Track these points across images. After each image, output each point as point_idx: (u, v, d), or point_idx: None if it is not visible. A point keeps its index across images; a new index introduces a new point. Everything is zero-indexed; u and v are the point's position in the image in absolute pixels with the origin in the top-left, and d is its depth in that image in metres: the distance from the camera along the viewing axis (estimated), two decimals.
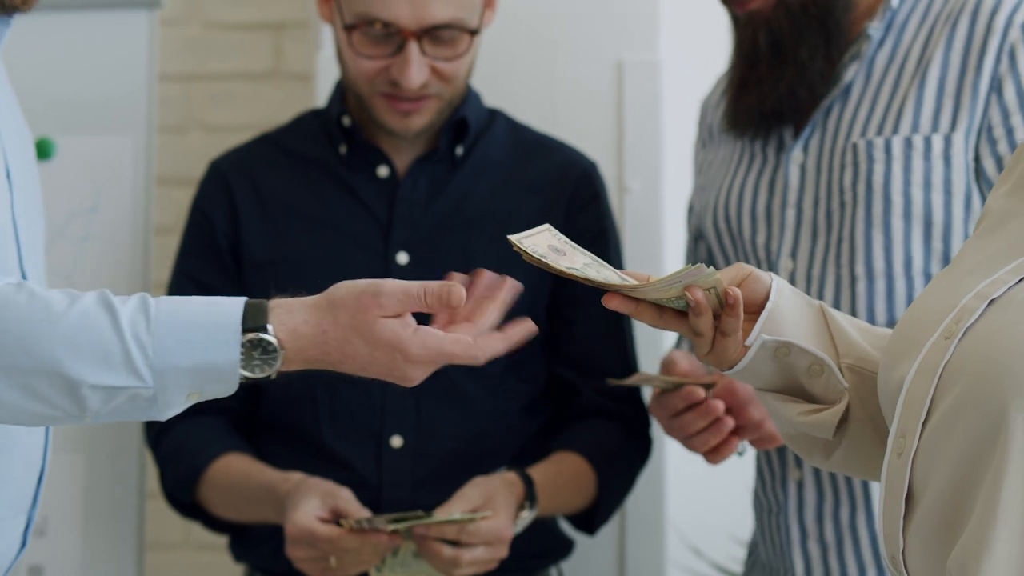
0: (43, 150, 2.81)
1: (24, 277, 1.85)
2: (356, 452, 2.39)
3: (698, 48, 2.90)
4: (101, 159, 2.85)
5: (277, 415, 2.44)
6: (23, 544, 1.90)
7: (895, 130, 2.21)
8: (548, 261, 1.61)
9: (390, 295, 1.67)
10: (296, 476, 2.33)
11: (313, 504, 2.24)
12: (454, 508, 2.26)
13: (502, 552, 2.27)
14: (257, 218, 2.48)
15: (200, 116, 3.21)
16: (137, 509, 2.78)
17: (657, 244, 2.82)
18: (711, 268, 1.60)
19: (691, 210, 2.52)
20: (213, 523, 2.50)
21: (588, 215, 2.51)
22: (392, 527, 2.22)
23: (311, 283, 2.42)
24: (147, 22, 2.83)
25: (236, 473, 2.40)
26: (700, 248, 2.48)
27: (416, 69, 2.36)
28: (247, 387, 2.31)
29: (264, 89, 3.20)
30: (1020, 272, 1.48)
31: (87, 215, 2.83)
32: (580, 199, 2.51)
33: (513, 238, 1.60)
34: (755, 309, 1.65)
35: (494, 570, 2.38)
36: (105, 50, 2.85)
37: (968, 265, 1.55)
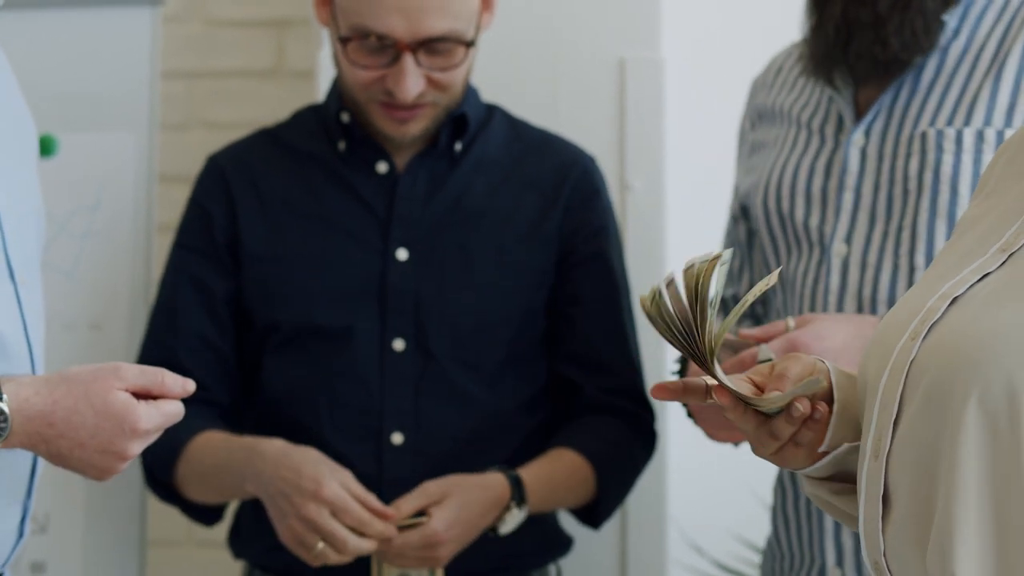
0: (45, 147, 2.81)
1: (10, 270, 1.86)
2: (356, 450, 2.39)
3: (700, 46, 2.90)
4: (103, 156, 2.85)
5: (277, 413, 2.44)
6: (20, 535, 1.91)
7: (967, 122, 2.18)
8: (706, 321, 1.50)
9: (129, 368, 1.75)
10: (279, 440, 2.36)
11: (328, 471, 2.29)
12: (408, 504, 2.30)
13: (436, 552, 2.29)
14: (256, 213, 2.49)
15: (202, 113, 3.21)
16: (139, 506, 2.78)
17: (659, 242, 2.82)
18: (818, 378, 1.56)
19: (736, 190, 2.48)
20: (191, 509, 2.51)
21: (588, 211, 2.50)
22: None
23: (309, 279, 2.44)
24: (149, 19, 2.83)
25: (214, 441, 2.42)
26: (739, 229, 2.45)
27: (411, 81, 2.35)
28: (236, 379, 2.35)
29: (266, 86, 3.20)
30: (981, 271, 1.50)
31: (89, 212, 2.83)
32: (580, 195, 2.51)
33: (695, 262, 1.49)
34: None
35: (491, 567, 2.39)
36: (107, 47, 2.85)
37: (939, 271, 1.57)
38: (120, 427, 1.73)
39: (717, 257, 1.48)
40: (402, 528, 2.30)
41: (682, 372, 2.41)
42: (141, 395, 1.76)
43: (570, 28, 2.87)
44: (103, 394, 1.73)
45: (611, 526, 2.75)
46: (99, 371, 1.74)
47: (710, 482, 2.85)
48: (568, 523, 2.58)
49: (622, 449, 2.49)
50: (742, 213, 2.43)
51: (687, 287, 1.48)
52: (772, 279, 1.54)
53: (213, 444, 2.42)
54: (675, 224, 2.84)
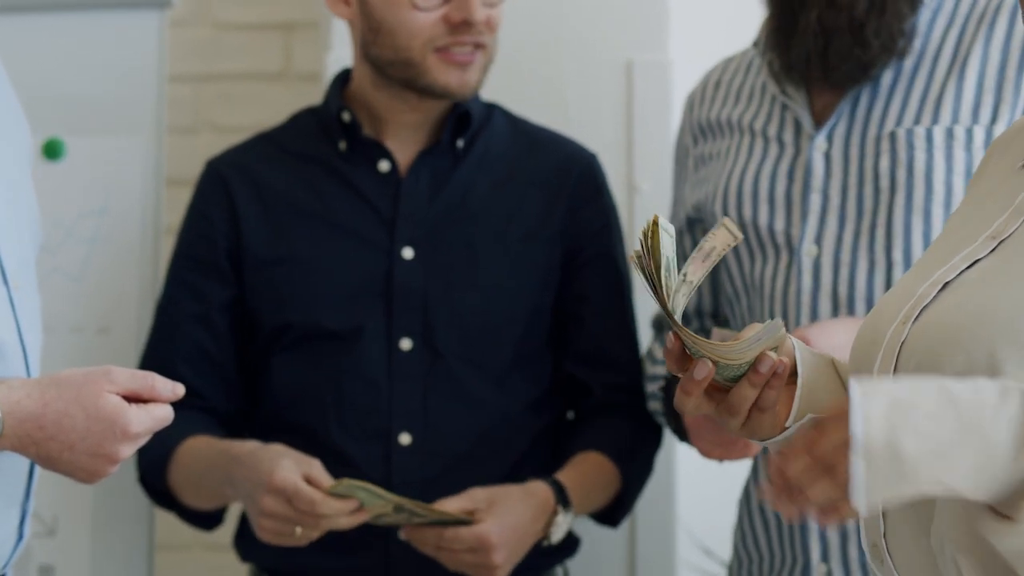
0: (53, 151, 2.81)
1: (3, 275, 1.86)
2: (364, 451, 2.39)
3: (708, 48, 2.90)
4: (110, 160, 2.85)
5: (283, 415, 2.44)
6: (20, 537, 1.91)
7: (935, 120, 2.24)
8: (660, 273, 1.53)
9: (120, 372, 1.76)
10: (252, 442, 2.35)
11: (291, 463, 2.26)
12: (452, 505, 2.27)
13: (490, 558, 2.28)
14: (258, 217, 2.49)
15: (209, 117, 3.22)
16: (147, 509, 2.78)
17: None
18: (779, 320, 1.57)
19: (679, 203, 2.51)
20: (188, 514, 2.52)
21: (592, 210, 2.52)
22: (376, 513, 2.25)
23: (316, 280, 2.44)
24: (157, 23, 2.83)
25: (198, 447, 2.42)
26: (686, 243, 2.47)
27: (478, 2, 2.38)
28: (235, 386, 2.34)
29: (274, 90, 3.20)
30: (972, 257, 1.54)
31: (96, 216, 2.83)
32: (583, 194, 2.51)
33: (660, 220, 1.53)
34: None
35: None
36: (115, 51, 2.85)
37: (930, 260, 1.60)
38: (111, 430, 1.74)
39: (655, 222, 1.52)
40: (440, 523, 2.28)
41: (667, 389, 2.42)
42: (131, 399, 1.77)
43: (578, 30, 2.87)
44: (94, 397, 1.74)
45: (620, 528, 2.75)
46: (90, 374, 1.76)
47: (719, 484, 2.84)
48: (575, 523, 2.57)
49: (637, 446, 2.50)
50: (689, 226, 2.46)
51: (643, 244, 1.53)
52: (738, 235, 1.57)
53: (197, 450, 2.42)
54: None
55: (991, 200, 1.62)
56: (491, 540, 2.27)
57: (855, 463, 1.35)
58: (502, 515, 2.29)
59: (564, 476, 2.39)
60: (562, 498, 2.35)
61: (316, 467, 2.27)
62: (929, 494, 1.37)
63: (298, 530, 2.25)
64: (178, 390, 1.80)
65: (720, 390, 1.61)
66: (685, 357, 1.58)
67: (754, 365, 1.57)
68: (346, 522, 2.25)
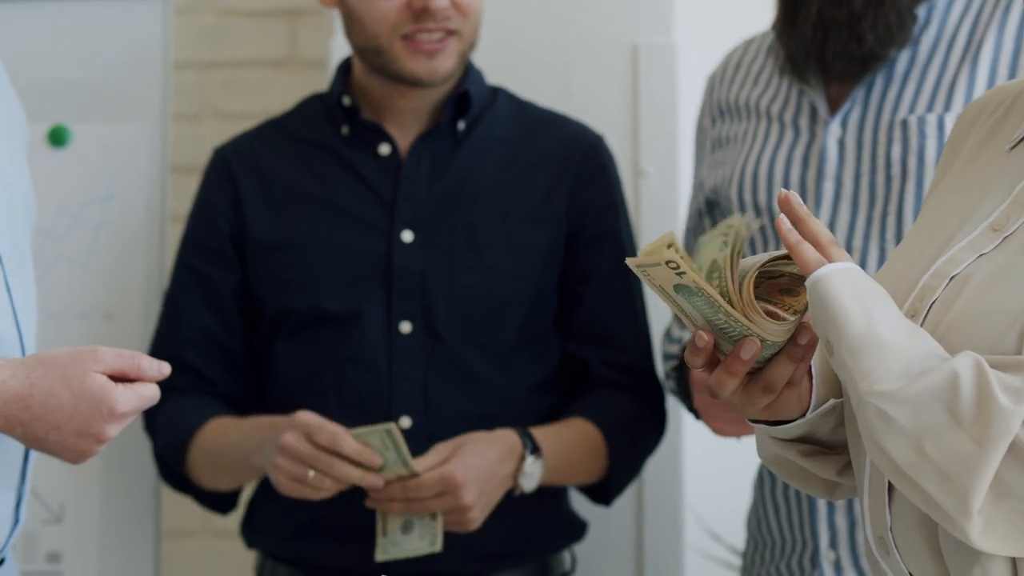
0: (58, 138, 2.82)
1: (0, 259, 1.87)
2: None
3: (713, 31, 2.90)
4: (116, 147, 2.86)
5: (285, 399, 2.44)
6: (16, 521, 1.91)
7: (947, 107, 2.23)
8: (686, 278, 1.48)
9: (106, 351, 1.76)
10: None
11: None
12: (427, 462, 2.27)
13: (460, 498, 2.26)
14: (261, 203, 2.49)
15: (215, 104, 3.21)
16: (154, 496, 2.78)
17: (673, 227, 2.82)
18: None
19: (699, 186, 2.51)
20: (204, 496, 2.52)
21: (596, 189, 2.50)
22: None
23: (317, 265, 2.44)
24: (161, 9, 2.84)
25: (222, 427, 2.43)
26: (704, 224, 2.48)
27: None
28: (244, 371, 2.34)
29: (279, 76, 3.20)
30: (975, 249, 1.52)
31: (102, 203, 2.84)
32: (587, 173, 2.51)
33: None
34: None
35: (504, 552, 2.38)
36: (120, 38, 2.86)
37: (922, 243, 1.59)
38: (98, 409, 1.74)
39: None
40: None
41: (679, 368, 2.42)
42: (118, 378, 1.77)
43: (582, 14, 2.87)
44: (81, 377, 1.74)
45: (627, 512, 2.75)
46: (76, 354, 1.76)
47: (727, 468, 2.84)
48: (583, 508, 2.57)
49: (633, 423, 2.48)
50: (707, 208, 2.45)
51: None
52: (754, 224, 1.56)
53: (222, 426, 2.43)
54: None
55: (980, 183, 1.60)
56: (456, 478, 2.25)
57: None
58: (466, 456, 2.28)
59: (537, 430, 2.37)
60: (530, 443, 2.34)
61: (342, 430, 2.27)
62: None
63: (311, 473, 2.24)
64: (164, 369, 1.80)
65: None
66: (714, 352, 1.54)
67: (794, 338, 1.53)
68: (358, 476, 2.24)
